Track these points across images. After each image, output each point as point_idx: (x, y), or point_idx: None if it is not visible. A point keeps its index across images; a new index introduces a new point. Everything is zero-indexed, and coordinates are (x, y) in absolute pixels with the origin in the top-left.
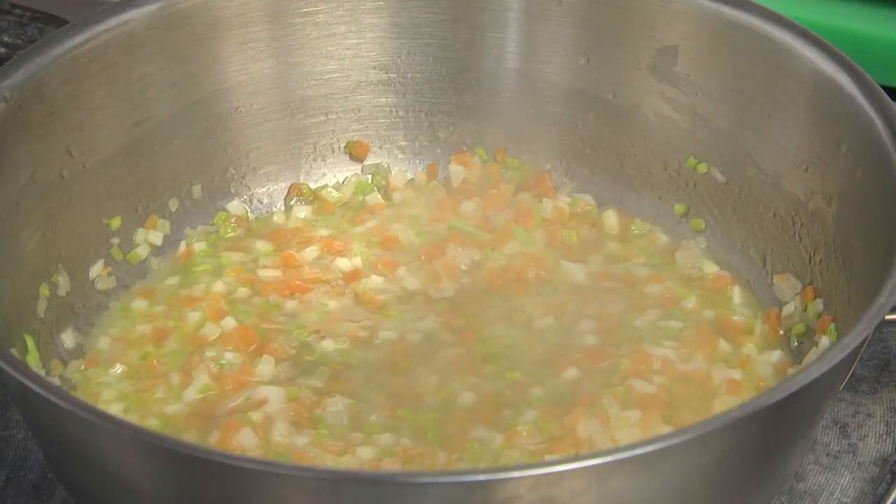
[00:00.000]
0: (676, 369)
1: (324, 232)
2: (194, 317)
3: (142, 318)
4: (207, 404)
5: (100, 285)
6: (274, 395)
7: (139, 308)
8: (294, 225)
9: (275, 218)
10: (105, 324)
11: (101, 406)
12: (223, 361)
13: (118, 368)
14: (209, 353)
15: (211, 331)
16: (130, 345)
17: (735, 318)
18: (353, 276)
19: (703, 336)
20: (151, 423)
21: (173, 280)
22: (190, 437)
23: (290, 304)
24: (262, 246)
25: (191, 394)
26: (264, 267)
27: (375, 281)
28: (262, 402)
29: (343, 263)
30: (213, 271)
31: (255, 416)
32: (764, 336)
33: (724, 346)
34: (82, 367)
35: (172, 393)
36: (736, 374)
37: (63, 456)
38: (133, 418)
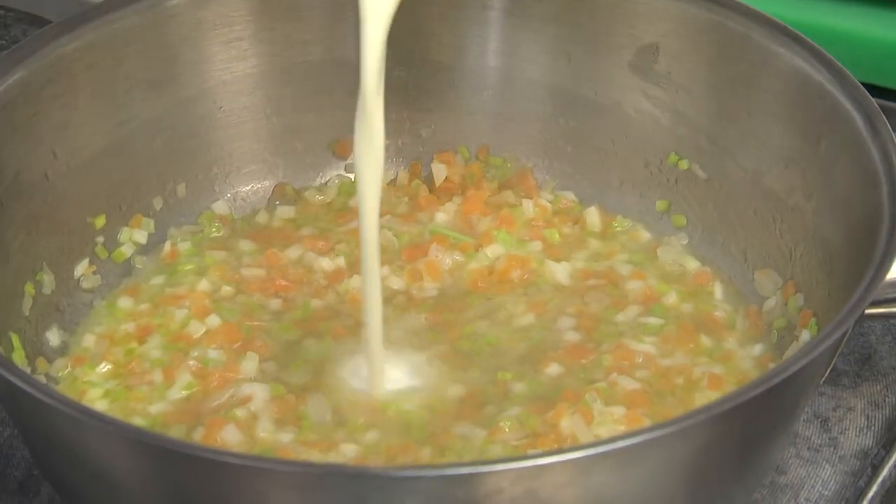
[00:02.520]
0: (658, 364)
1: (307, 231)
2: (179, 315)
3: (127, 317)
4: (192, 402)
5: (85, 284)
6: (258, 393)
7: (124, 306)
8: (277, 225)
9: (258, 217)
10: (90, 322)
11: (86, 404)
12: (208, 359)
13: (104, 367)
14: (194, 352)
15: (195, 328)
16: (115, 342)
17: (716, 313)
18: (335, 275)
19: (685, 331)
20: (136, 422)
21: (158, 279)
22: (175, 434)
23: (274, 303)
24: (245, 245)
25: (175, 392)
26: (248, 266)
27: (358, 280)
28: (246, 400)
29: (326, 263)
30: (198, 270)
31: (240, 412)
32: (745, 331)
33: (705, 341)
34: (69, 366)
35: (157, 391)
36: (718, 369)
37: (49, 453)
38: (117, 416)
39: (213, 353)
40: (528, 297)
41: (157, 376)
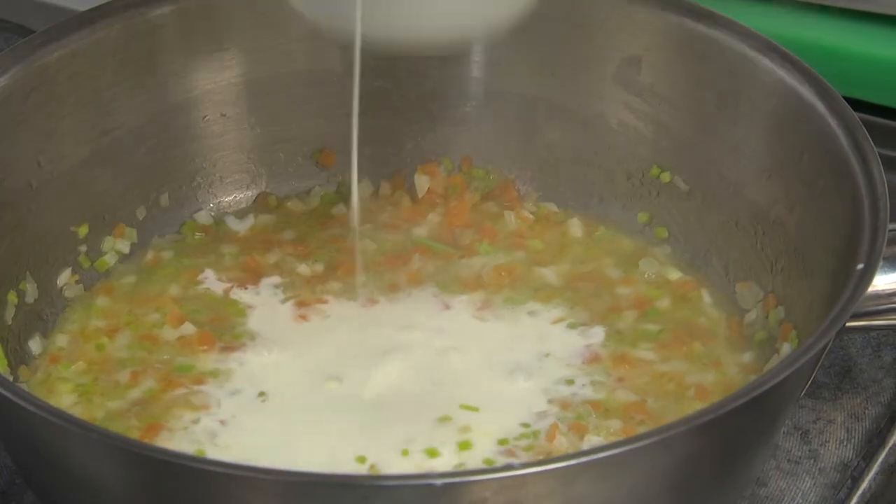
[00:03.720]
0: (656, 371)
1: (287, 235)
2: (151, 316)
3: (100, 315)
4: (152, 402)
5: (67, 293)
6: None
7: (99, 305)
8: (258, 231)
9: (240, 226)
10: (64, 320)
11: (53, 400)
12: (176, 364)
13: (80, 365)
14: (163, 353)
15: (166, 329)
16: (87, 338)
17: (701, 320)
18: (312, 280)
19: (678, 338)
20: (98, 415)
21: (132, 279)
22: (117, 430)
23: (248, 301)
24: (226, 250)
25: (136, 392)
26: (228, 269)
27: (334, 286)
28: (202, 407)
29: (303, 268)
30: (175, 273)
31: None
32: (732, 340)
33: (695, 349)
34: (46, 364)
35: (119, 390)
36: (709, 378)
37: (31, 460)
38: (78, 411)
39: (180, 359)
40: (527, 293)
41: (124, 376)
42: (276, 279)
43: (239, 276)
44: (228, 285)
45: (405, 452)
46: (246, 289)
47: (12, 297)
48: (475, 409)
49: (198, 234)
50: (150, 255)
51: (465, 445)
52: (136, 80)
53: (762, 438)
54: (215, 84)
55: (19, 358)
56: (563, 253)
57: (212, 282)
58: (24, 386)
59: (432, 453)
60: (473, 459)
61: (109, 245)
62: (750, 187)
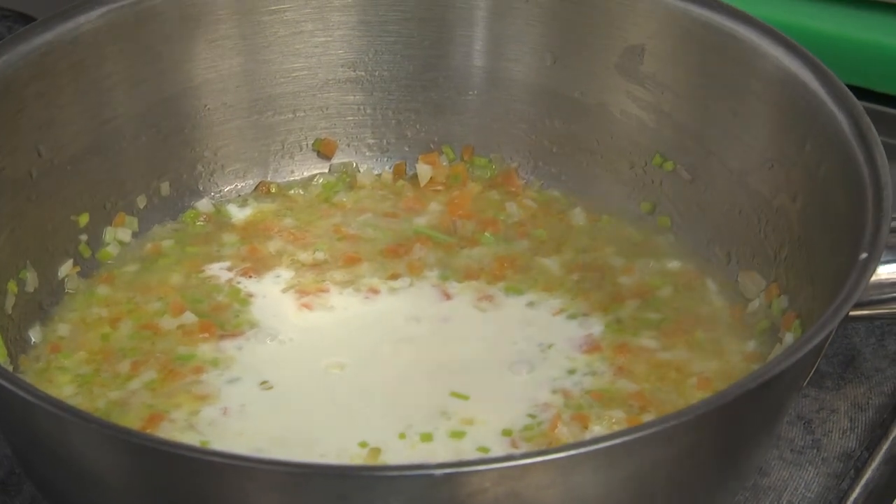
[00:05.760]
0: (657, 359)
1: (288, 223)
2: (152, 305)
3: (101, 304)
4: (153, 392)
5: (68, 282)
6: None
7: (100, 294)
8: (259, 219)
9: (241, 214)
10: (65, 309)
11: (53, 391)
12: (177, 354)
13: (81, 355)
14: (164, 343)
15: (167, 319)
16: (88, 327)
17: (704, 308)
18: (314, 269)
19: (679, 327)
20: (98, 407)
21: (134, 267)
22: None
23: (250, 290)
24: (227, 238)
25: (136, 383)
26: (229, 257)
27: (336, 275)
28: (203, 397)
29: (304, 257)
30: (176, 262)
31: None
32: (734, 329)
33: (697, 337)
34: (46, 354)
35: (120, 380)
36: (711, 366)
37: (30, 451)
38: (78, 402)
39: (182, 349)
40: (528, 283)
41: (125, 366)
42: (277, 268)
43: (241, 264)
44: (231, 274)
45: (402, 436)
46: (249, 277)
47: (12, 287)
48: (465, 398)
49: (199, 223)
50: (151, 244)
51: (461, 435)
52: (137, 68)
53: (765, 428)
54: (216, 73)
55: (19, 347)
56: (565, 242)
57: (214, 270)
58: (23, 376)
59: (427, 438)
60: (470, 448)
61: (111, 234)
62: (753, 176)
